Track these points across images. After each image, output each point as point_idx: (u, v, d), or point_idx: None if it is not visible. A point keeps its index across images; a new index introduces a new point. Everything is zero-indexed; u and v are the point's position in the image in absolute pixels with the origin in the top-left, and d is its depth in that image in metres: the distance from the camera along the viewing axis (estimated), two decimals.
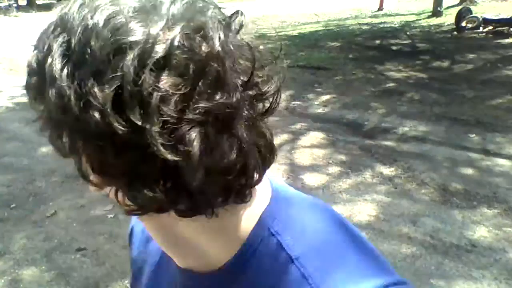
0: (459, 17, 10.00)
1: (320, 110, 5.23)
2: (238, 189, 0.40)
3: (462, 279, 2.32)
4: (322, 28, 12.40)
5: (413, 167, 3.62)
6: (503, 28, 9.31)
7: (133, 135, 0.32)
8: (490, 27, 9.41)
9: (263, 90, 0.39)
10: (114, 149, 0.34)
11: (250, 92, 0.38)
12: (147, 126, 0.32)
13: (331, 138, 4.31)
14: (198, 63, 0.33)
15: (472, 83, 6.05)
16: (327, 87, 6.22)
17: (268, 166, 0.43)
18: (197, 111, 0.33)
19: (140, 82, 0.31)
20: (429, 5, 14.72)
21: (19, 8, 21.24)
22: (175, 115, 0.32)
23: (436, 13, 12.72)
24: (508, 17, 9.47)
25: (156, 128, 0.32)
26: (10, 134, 4.80)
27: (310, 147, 4.12)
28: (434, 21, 12.07)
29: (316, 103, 5.53)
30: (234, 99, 0.35)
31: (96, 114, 0.32)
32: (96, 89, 0.32)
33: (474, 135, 4.26)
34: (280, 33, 11.94)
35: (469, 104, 5.20)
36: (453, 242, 2.63)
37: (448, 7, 13.83)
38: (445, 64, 7.30)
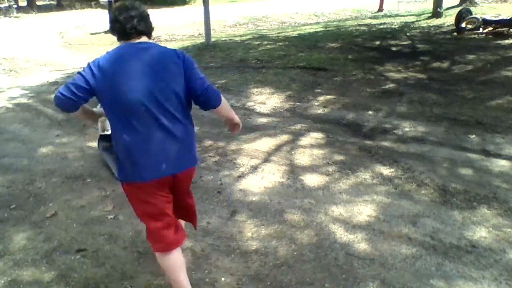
0: (459, 18, 10.01)
1: (320, 111, 5.24)
2: (128, 32, 1.86)
3: (462, 280, 2.32)
4: (322, 29, 12.40)
5: (413, 167, 3.62)
6: (503, 29, 9.31)
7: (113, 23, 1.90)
8: (490, 28, 9.41)
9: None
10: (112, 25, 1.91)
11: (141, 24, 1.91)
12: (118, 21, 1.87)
13: (331, 139, 4.32)
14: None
15: (472, 84, 6.06)
16: (327, 88, 6.22)
17: (139, 33, 1.88)
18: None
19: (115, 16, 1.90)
20: (429, 6, 14.74)
21: (19, 9, 21.24)
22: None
23: (436, 14, 12.73)
24: (508, 18, 9.48)
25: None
26: (10, 134, 4.80)
27: (310, 147, 4.13)
28: (434, 22, 12.08)
29: (316, 103, 5.53)
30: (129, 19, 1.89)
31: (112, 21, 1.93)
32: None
33: (474, 135, 4.27)
34: (280, 34, 11.95)
35: (468, 104, 5.21)
36: (453, 242, 2.63)
37: (448, 8, 13.85)
38: (445, 65, 7.31)
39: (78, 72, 1.82)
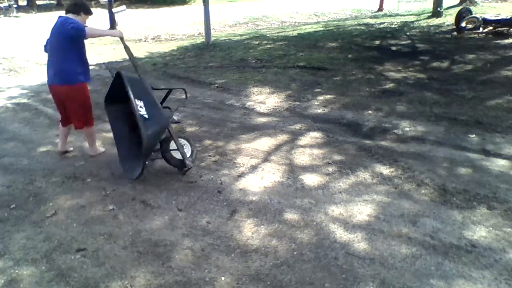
0: (459, 17, 10.02)
1: (319, 111, 5.24)
2: (65, 10, 3.76)
3: (462, 279, 2.32)
4: (322, 29, 12.41)
5: (413, 167, 3.62)
6: (503, 28, 9.33)
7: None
8: (490, 28, 9.42)
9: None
10: None
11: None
12: None
13: (331, 139, 4.32)
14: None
15: (472, 84, 6.06)
16: (327, 88, 6.23)
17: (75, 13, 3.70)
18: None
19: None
20: (429, 6, 14.75)
21: (19, 8, 21.25)
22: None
23: (436, 13, 12.75)
24: (508, 17, 9.49)
25: None
26: (10, 134, 4.80)
27: (310, 147, 4.13)
28: (434, 21, 12.09)
29: (315, 103, 5.53)
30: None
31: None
32: None
33: (473, 135, 4.27)
34: (279, 34, 11.95)
35: (468, 104, 5.21)
36: (453, 242, 2.63)
37: (448, 8, 13.87)
38: (445, 64, 7.31)
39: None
